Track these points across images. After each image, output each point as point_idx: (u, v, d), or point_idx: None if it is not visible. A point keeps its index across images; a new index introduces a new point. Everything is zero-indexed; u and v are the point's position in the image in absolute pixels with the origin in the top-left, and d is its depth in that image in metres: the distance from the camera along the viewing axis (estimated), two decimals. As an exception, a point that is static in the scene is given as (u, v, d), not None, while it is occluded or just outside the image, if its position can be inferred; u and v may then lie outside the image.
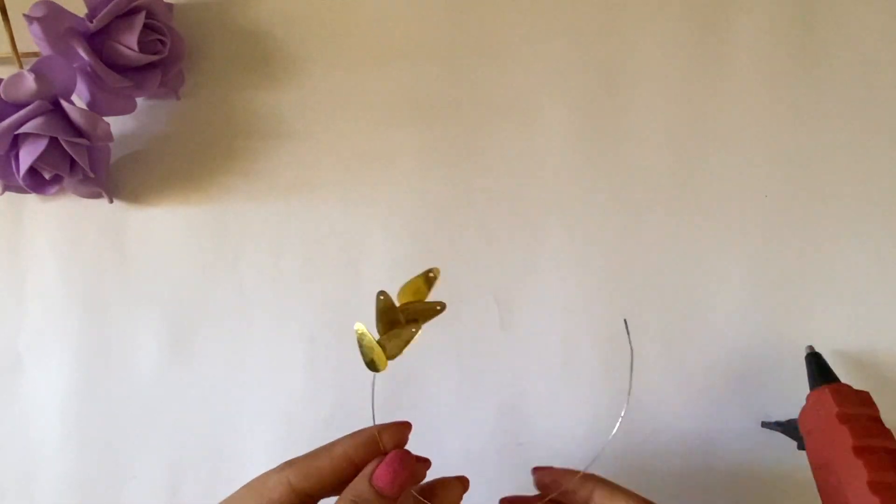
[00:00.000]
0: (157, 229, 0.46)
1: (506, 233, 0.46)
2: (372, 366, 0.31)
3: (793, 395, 0.44)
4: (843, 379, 0.40)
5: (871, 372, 0.44)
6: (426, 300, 0.31)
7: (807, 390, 0.40)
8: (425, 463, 0.31)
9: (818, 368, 0.40)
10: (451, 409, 0.45)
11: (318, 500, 0.30)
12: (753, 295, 0.45)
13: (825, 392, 0.38)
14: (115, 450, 0.45)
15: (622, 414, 0.33)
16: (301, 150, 0.47)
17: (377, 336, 0.31)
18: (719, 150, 0.46)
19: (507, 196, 0.46)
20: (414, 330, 0.31)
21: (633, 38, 0.47)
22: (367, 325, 0.31)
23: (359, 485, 0.28)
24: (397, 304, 0.31)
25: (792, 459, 0.42)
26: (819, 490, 0.36)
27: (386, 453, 0.30)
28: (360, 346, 0.31)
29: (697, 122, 0.46)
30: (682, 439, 0.44)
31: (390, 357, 0.30)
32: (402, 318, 0.31)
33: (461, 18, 0.47)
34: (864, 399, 0.37)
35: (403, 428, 0.31)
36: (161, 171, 0.47)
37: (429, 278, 0.31)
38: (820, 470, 0.36)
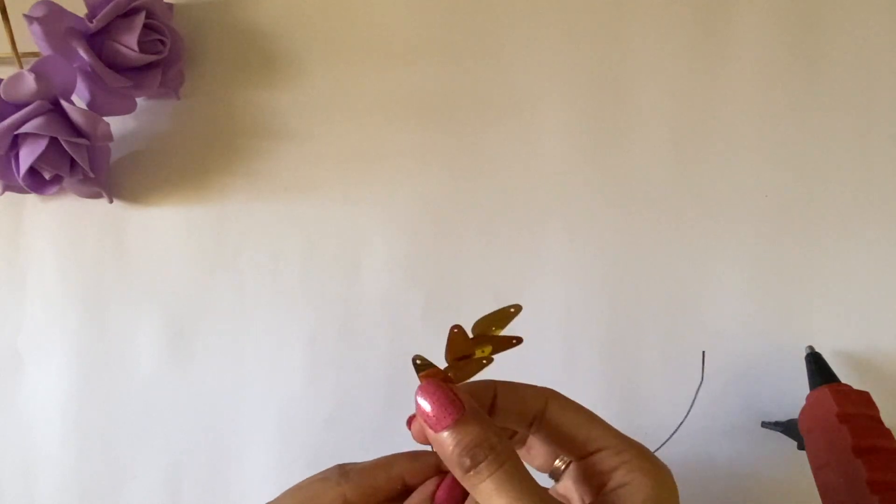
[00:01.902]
0: (157, 229, 0.46)
1: (506, 233, 0.46)
2: None
3: (793, 395, 0.44)
4: (843, 379, 0.40)
5: (871, 372, 0.44)
6: (501, 334, 0.29)
7: (807, 390, 0.40)
8: None
9: (818, 368, 0.40)
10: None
11: None
12: (753, 295, 0.45)
13: (825, 392, 0.38)
14: (115, 450, 0.45)
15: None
16: (301, 150, 0.47)
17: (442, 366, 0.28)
18: (719, 150, 0.46)
19: (507, 196, 0.46)
20: (485, 361, 0.29)
21: (633, 38, 0.47)
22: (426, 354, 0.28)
23: (419, 502, 0.29)
24: (471, 335, 0.29)
25: (792, 459, 0.42)
26: (819, 490, 0.36)
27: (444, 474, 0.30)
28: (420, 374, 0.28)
29: (697, 122, 0.46)
30: (682, 439, 0.44)
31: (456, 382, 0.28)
32: (474, 349, 0.29)
33: (461, 18, 0.47)
34: (864, 399, 0.37)
35: None
36: (161, 171, 0.47)
37: (509, 313, 0.29)
38: (820, 470, 0.36)
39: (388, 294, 0.46)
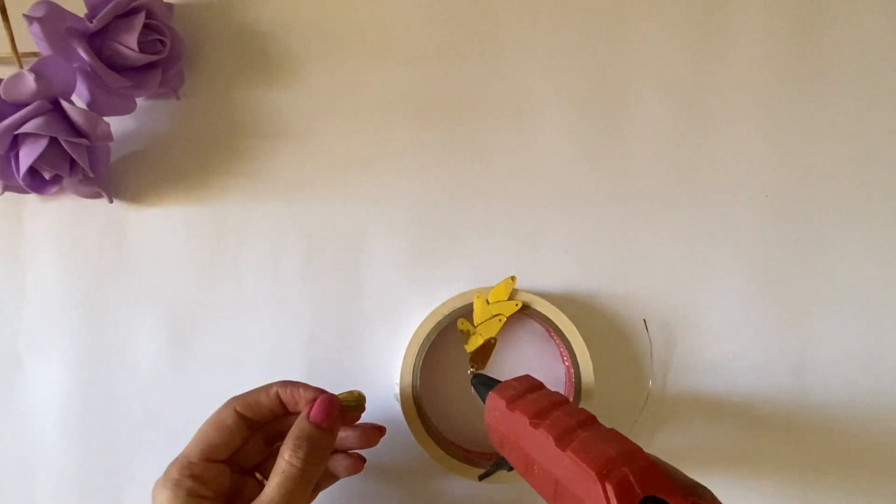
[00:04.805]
0: (157, 229, 0.46)
1: (506, 232, 0.46)
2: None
3: (788, 394, 0.44)
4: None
5: (871, 372, 0.44)
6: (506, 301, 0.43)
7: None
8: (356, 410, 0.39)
9: (483, 384, 0.38)
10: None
11: (258, 426, 0.38)
12: (753, 294, 0.45)
13: (492, 395, 0.36)
14: (115, 450, 0.45)
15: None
16: (301, 150, 0.47)
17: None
18: (719, 149, 0.46)
19: (507, 196, 0.46)
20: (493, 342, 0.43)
21: (633, 37, 0.47)
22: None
23: (299, 425, 0.36)
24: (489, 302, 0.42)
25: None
26: (536, 488, 0.33)
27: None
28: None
29: (697, 122, 0.46)
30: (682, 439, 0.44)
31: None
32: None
33: (461, 18, 0.47)
34: (523, 382, 0.37)
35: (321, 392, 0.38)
36: (161, 171, 0.47)
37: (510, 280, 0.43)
38: (526, 468, 0.33)
39: (388, 294, 0.46)
